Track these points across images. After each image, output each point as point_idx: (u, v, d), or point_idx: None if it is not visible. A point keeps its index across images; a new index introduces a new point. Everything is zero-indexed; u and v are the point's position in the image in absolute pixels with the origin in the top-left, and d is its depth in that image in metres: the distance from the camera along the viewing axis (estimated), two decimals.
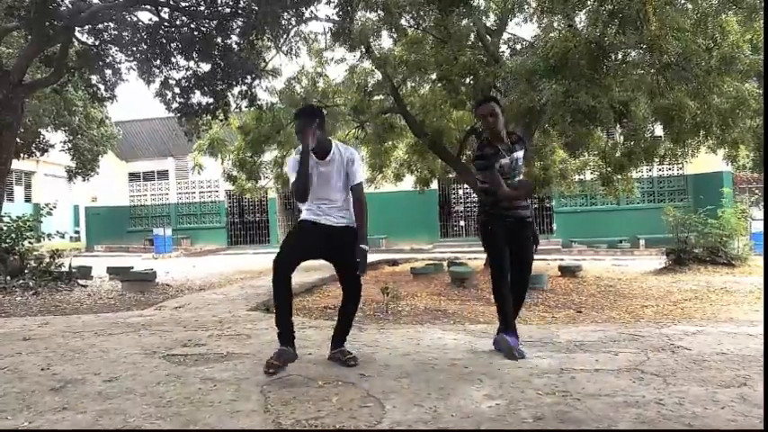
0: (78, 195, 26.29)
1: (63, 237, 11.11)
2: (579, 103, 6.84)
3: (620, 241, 17.83)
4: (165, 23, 8.75)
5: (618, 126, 9.58)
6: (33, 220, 9.83)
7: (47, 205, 10.45)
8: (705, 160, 14.23)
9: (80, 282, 8.98)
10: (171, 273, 11.45)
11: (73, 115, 14.50)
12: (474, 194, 16.78)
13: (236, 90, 9.50)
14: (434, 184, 16.13)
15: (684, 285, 8.85)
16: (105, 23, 8.78)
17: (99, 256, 19.32)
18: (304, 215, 3.42)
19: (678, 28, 6.54)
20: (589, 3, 7.17)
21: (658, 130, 10.05)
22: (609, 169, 11.31)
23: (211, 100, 9.36)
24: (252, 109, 10.41)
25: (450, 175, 14.16)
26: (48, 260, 9.09)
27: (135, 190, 24.65)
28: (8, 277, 8.27)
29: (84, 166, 16.36)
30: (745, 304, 6.90)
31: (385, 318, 6.01)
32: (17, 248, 9.01)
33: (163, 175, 24.19)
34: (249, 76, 9.41)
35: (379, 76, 10.87)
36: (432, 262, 12.37)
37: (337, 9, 8.24)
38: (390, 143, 13.02)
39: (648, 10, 6.04)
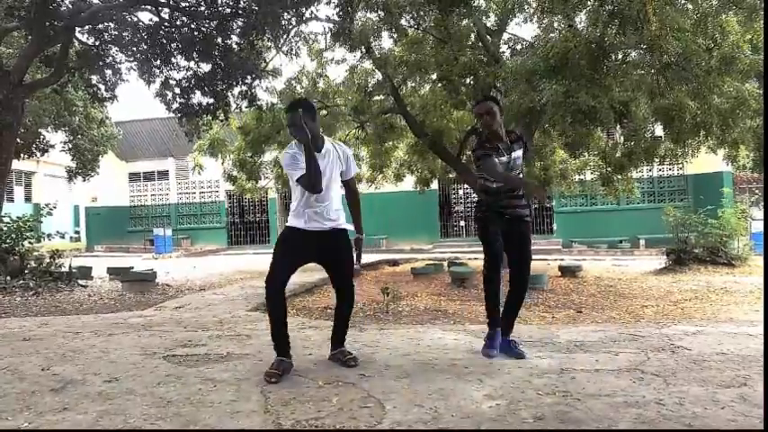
0: (78, 195, 26.27)
1: (63, 237, 11.11)
2: (579, 103, 6.84)
3: (621, 241, 17.83)
4: (166, 24, 8.76)
5: (618, 126, 9.58)
6: (33, 220, 9.83)
7: (47, 205, 10.45)
8: (705, 160, 14.23)
9: (80, 282, 8.98)
10: (171, 273, 11.45)
11: (73, 115, 14.50)
12: (474, 195, 16.77)
13: (236, 90, 9.50)
14: (435, 185, 16.11)
15: (684, 285, 8.85)
16: (105, 23, 8.78)
17: (99, 257, 19.32)
18: (291, 221, 3.37)
19: (678, 28, 6.53)
20: (589, 3, 7.16)
21: (658, 130, 10.04)
22: (609, 169, 11.31)
23: (212, 100, 9.36)
24: (252, 109, 10.41)
25: (451, 176, 14.15)
26: (48, 260, 9.10)
27: (135, 190, 24.66)
28: (8, 277, 8.27)
29: (84, 166, 16.35)
30: (746, 304, 6.90)
31: (385, 318, 6.02)
32: (17, 249, 9.02)
33: (163, 175, 24.20)
34: (249, 77, 9.41)
35: (379, 76, 10.87)
36: (432, 262, 12.38)
37: (337, 9, 8.25)
38: (391, 143, 13.02)
39: (648, 10, 6.04)
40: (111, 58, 9.32)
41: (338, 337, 3.48)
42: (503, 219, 3.58)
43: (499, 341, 3.54)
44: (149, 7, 8.75)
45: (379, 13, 8.77)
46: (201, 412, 2.58)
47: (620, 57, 7.93)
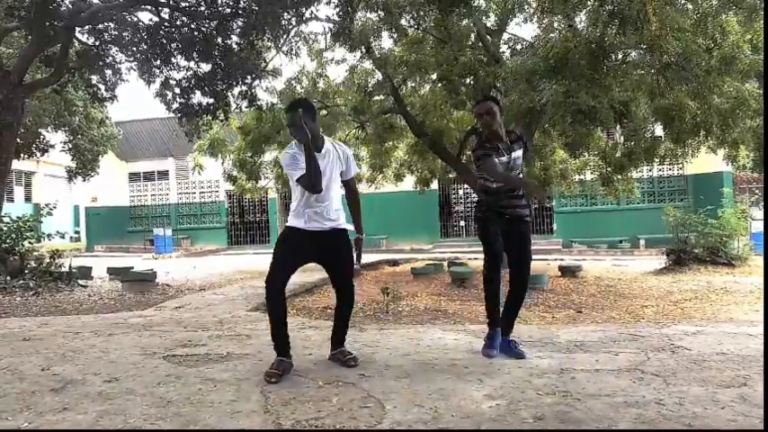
0: (78, 195, 26.28)
1: (63, 237, 11.10)
2: (579, 103, 6.84)
3: (621, 241, 17.83)
4: (166, 24, 8.75)
5: (618, 126, 9.58)
6: (33, 220, 9.83)
7: (47, 205, 10.45)
8: (705, 160, 14.23)
9: (80, 282, 8.98)
10: (171, 273, 11.45)
11: (73, 115, 14.50)
12: (474, 195, 16.78)
13: (236, 90, 9.50)
14: (435, 185, 16.12)
15: (684, 285, 8.85)
16: (105, 24, 8.78)
17: (99, 257, 19.32)
18: (291, 221, 3.37)
19: (678, 28, 6.53)
20: (589, 3, 7.16)
21: (658, 130, 10.04)
22: (609, 169, 11.31)
23: (212, 100, 9.36)
24: (252, 109, 10.41)
25: (451, 176, 14.15)
26: (48, 260, 9.09)
27: (135, 190, 24.65)
28: (8, 277, 8.27)
29: (84, 166, 16.36)
30: (745, 304, 6.89)
31: (385, 318, 6.02)
32: (17, 249, 9.02)
33: (163, 175, 24.20)
34: (249, 77, 9.40)
35: (379, 76, 10.87)
36: (432, 262, 12.38)
37: (337, 9, 8.25)
38: (391, 143, 13.02)
39: (648, 10, 6.04)
40: (111, 58, 9.32)
41: (338, 337, 3.48)
42: (503, 219, 3.58)
43: (499, 341, 3.53)
44: (149, 7, 8.75)
45: (379, 13, 8.78)
46: (201, 412, 2.58)
47: (620, 57, 7.93)
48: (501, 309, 3.63)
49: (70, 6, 8.39)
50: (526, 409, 2.56)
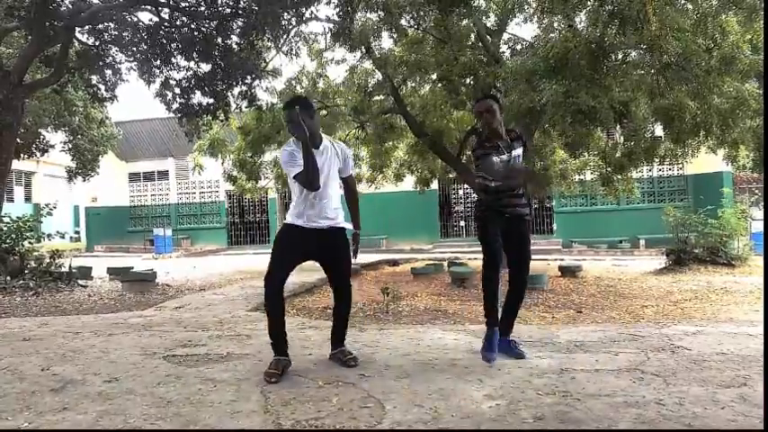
0: (78, 195, 26.29)
1: (63, 237, 11.10)
2: (579, 103, 6.84)
3: (621, 241, 17.83)
4: (166, 24, 8.75)
5: (618, 126, 9.58)
6: (33, 220, 9.83)
7: (47, 205, 10.45)
8: (705, 160, 14.23)
9: (80, 282, 8.98)
10: (171, 273, 11.45)
11: (73, 115, 14.50)
12: (474, 195, 16.79)
13: (236, 90, 9.50)
14: (435, 185, 16.13)
15: (684, 285, 8.85)
16: (105, 24, 8.78)
17: (99, 257, 19.32)
18: (289, 218, 3.37)
19: (678, 28, 6.53)
20: (589, 3, 7.16)
21: (658, 130, 10.04)
22: (609, 169, 11.31)
23: (212, 100, 9.36)
24: (252, 109, 10.41)
25: (451, 176, 14.16)
26: (48, 260, 9.09)
27: (135, 190, 24.66)
28: (8, 278, 8.27)
29: (84, 166, 16.36)
30: (745, 304, 6.89)
31: (385, 318, 6.02)
32: (17, 249, 9.02)
33: (163, 175, 24.21)
34: (249, 77, 9.41)
35: (379, 76, 10.88)
36: (432, 262, 12.39)
37: (337, 9, 8.25)
38: (391, 143, 13.02)
39: (648, 10, 6.04)
40: (111, 58, 9.32)
41: (338, 337, 3.49)
42: (503, 218, 3.56)
43: (497, 342, 3.50)
44: (149, 7, 8.75)
45: (379, 13, 8.78)
46: (201, 412, 2.58)
47: (620, 57, 7.93)
48: (500, 309, 3.63)
49: (70, 6, 8.40)
50: (526, 409, 2.56)
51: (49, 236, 10.05)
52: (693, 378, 2.98)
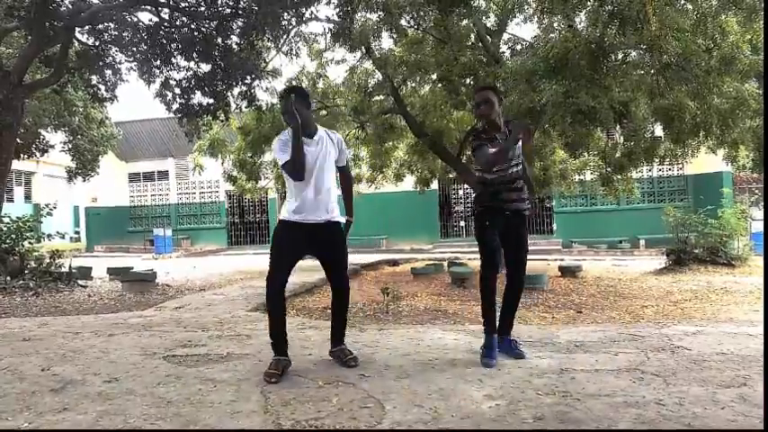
0: (78, 196, 26.30)
1: (63, 237, 11.11)
2: (579, 103, 6.83)
3: (621, 241, 17.83)
4: (166, 24, 8.75)
5: (618, 126, 9.57)
6: (33, 220, 9.84)
7: (47, 206, 10.45)
8: (705, 160, 14.24)
9: (80, 282, 8.98)
10: (171, 273, 11.45)
11: (73, 116, 14.50)
12: (474, 194, 16.77)
13: (236, 91, 9.50)
14: (434, 185, 16.13)
15: (684, 285, 8.85)
16: (105, 24, 8.78)
17: (99, 257, 19.33)
18: (284, 214, 3.35)
19: (678, 28, 6.53)
20: (589, 3, 7.16)
21: (658, 130, 10.04)
22: (609, 169, 11.30)
23: (212, 100, 9.36)
24: (252, 109, 10.41)
25: (451, 176, 14.16)
26: (48, 261, 9.10)
27: (135, 190, 24.67)
28: (8, 278, 8.27)
29: (84, 166, 16.36)
30: (745, 304, 6.89)
31: (385, 318, 6.02)
32: (17, 249, 9.02)
33: (163, 175, 24.21)
34: (249, 77, 9.40)
35: (379, 76, 10.87)
36: (432, 262, 12.39)
37: (337, 10, 8.25)
38: (391, 143, 13.02)
39: (648, 10, 6.04)
40: (111, 58, 9.32)
41: (337, 333, 3.49)
42: (503, 216, 3.54)
43: (497, 348, 3.48)
44: (149, 7, 8.75)
45: (379, 13, 8.77)
46: (201, 412, 2.58)
47: (619, 57, 7.93)
48: (498, 309, 3.62)
49: (70, 6, 8.40)
50: (526, 409, 2.56)
51: (48, 236, 10.05)
52: (693, 378, 2.98)
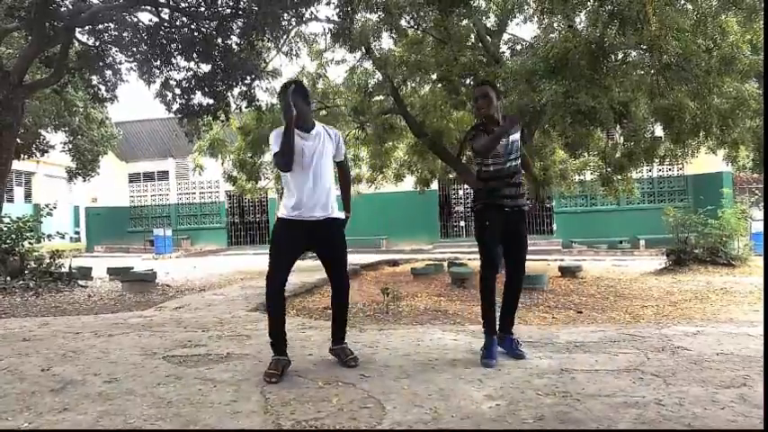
0: (78, 196, 26.32)
1: (63, 237, 11.11)
2: (579, 103, 6.84)
3: (621, 242, 17.83)
4: (166, 24, 8.76)
5: (618, 126, 9.57)
6: (33, 220, 9.84)
7: (47, 206, 10.45)
8: (705, 161, 14.24)
9: (80, 282, 8.98)
10: (171, 273, 11.46)
11: (73, 116, 14.50)
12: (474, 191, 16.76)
13: (236, 91, 9.50)
14: (434, 185, 16.14)
15: (684, 286, 8.85)
16: (106, 24, 8.79)
17: (99, 257, 19.34)
18: (283, 212, 3.34)
19: (678, 28, 6.53)
20: (589, 3, 7.17)
21: (658, 130, 10.05)
22: (609, 170, 11.30)
23: (212, 101, 9.36)
24: (252, 109, 10.41)
25: (451, 176, 14.16)
26: (48, 261, 9.10)
27: (135, 190, 24.67)
28: (8, 278, 8.28)
29: (84, 166, 16.37)
30: (745, 305, 6.90)
31: (385, 318, 6.02)
32: (17, 249, 9.02)
33: (163, 175, 24.22)
34: (249, 77, 9.41)
35: (379, 76, 10.87)
36: (432, 262, 12.39)
37: (337, 10, 8.25)
38: (391, 144, 13.02)
39: (648, 10, 6.04)
40: (111, 58, 9.33)
41: (338, 332, 3.48)
42: (503, 214, 3.53)
43: (497, 348, 3.48)
44: (149, 8, 8.75)
45: (379, 13, 8.78)
46: (201, 413, 2.58)
47: (619, 57, 7.93)
48: (498, 308, 3.62)
49: (70, 7, 8.40)
50: (526, 409, 2.56)
51: (48, 236, 10.05)
52: (693, 378, 2.98)
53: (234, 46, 8.95)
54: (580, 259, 14.14)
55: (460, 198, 21.30)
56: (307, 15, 8.65)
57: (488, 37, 10.03)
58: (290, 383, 3.01)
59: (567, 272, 10.37)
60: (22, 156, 14.41)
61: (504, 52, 10.07)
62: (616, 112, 7.47)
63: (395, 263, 13.98)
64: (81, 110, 14.41)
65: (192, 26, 8.82)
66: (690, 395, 2.70)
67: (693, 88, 7.44)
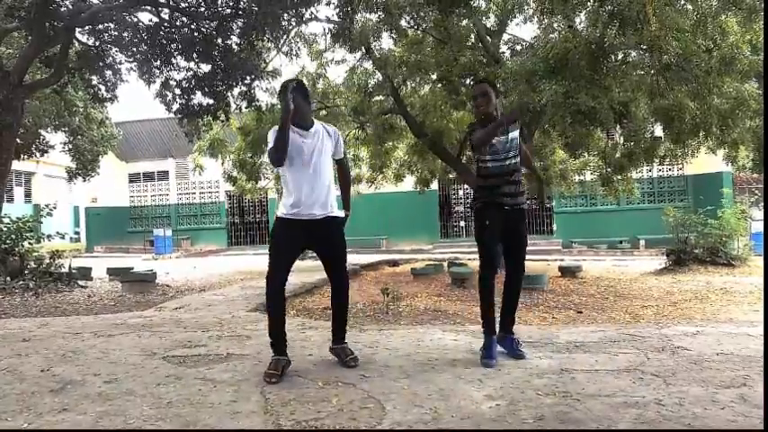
0: (78, 196, 26.32)
1: (63, 237, 11.11)
2: (579, 103, 6.84)
3: (621, 242, 17.84)
4: (166, 24, 8.75)
5: (618, 127, 9.58)
6: (33, 220, 9.84)
7: (47, 206, 10.45)
8: (705, 161, 14.25)
9: (80, 283, 8.98)
10: (171, 273, 11.46)
11: (73, 116, 14.50)
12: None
13: (236, 91, 9.50)
14: (434, 185, 16.14)
15: (684, 286, 8.85)
16: (106, 24, 8.79)
17: (99, 257, 19.34)
18: (283, 210, 3.33)
19: (678, 29, 6.54)
20: (589, 3, 7.17)
21: (658, 130, 10.05)
22: (609, 170, 11.32)
23: (212, 101, 9.36)
24: (251, 110, 10.41)
25: (451, 176, 14.17)
26: (48, 261, 9.10)
27: (135, 190, 24.68)
28: (8, 278, 8.28)
29: (84, 166, 16.37)
30: (745, 304, 6.90)
31: (385, 318, 6.02)
32: (17, 249, 9.02)
33: (163, 175, 24.22)
34: (249, 77, 9.41)
35: (379, 76, 10.87)
36: (432, 262, 12.39)
37: (337, 10, 8.25)
38: (391, 144, 13.03)
39: (648, 11, 6.04)
40: (111, 58, 9.33)
41: (338, 332, 3.47)
42: (502, 212, 3.53)
43: (496, 348, 3.48)
44: (149, 8, 8.75)
45: (379, 13, 8.78)
46: (201, 413, 2.58)
47: (619, 57, 7.94)
48: (497, 309, 3.62)
49: (70, 7, 8.40)
50: (526, 409, 2.56)
51: (48, 236, 10.04)
52: (693, 378, 2.98)
53: (234, 46, 8.95)
54: (580, 259, 14.14)
55: (460, 198, 21.30)
56: (307, 15, 8.65)
57: (488, 37, 10.03)
58: (290, 383, 3.00)
59: (567, 272, 10.37)
60: (21, 156, 14.42)
61: (504, 52, 10.07)
62: (616, 112, 7.48)
63: (395, 263, 13.99)
64: (81, 110, 14.42)
65: (192, 26, 8.82)
66: (690, 395, 2.70)
67: (693, 88, 7.44)
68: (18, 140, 11.24)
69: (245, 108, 10.18)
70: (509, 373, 3.15)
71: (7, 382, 3.11)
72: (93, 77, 9.82)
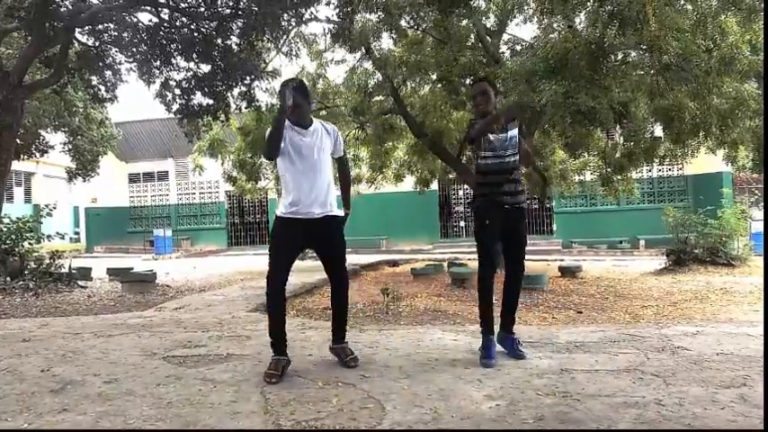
0: (78, 196, 26.33)
1: (63, 238, 11.11)
2: (579, 103, 6.84)
3: (621, 242, 17.84)
4: (165, 24, 8.75)
5: (618, 127, 9.58)
6: (33, 221, 9.83)
7: (47, 206, 10.45)
8: (705, 161, 14.25)
9: (80, 283, 8.98)
10: (171, 274, 11.46)
11: (73, 116, 14.51)
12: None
13: (236, 91, 9.50)
14: (434, 185, 16.14)
15: (684, 286, 8.86)
16: (105, 24, 8.79)
17: (99, 257, 19.34)
18: (282, 210, 3.32)
19: (678, 29, 6.53)
20: (589, 3, 7.17)
21: (658, 130, 10.05)
22: (609, 170, 11.31)
23: (212, 101, 9.36)
24: (251, 110, 10.41)
25: (451, 176, 14.17)
26: (48, 261, 9.10)
27: (135, 191, 24.67)
28: (8, 278, 8.28)
29: (84, 166, 16.37)
30: (745, 305, 6.90)
31: (385, 318, 6.02)
32: (17, 249, 9.02)
33: (163, 175, 24.22)
34: (249, 77, 9.41)
35: (379, 76, 10.87)
36: (432, 263, 12.39)
37: (337, 10, 8.25)
38: (390, 144, 13.03)
39: (648, 11, 6.04)
40: (110, 58, 9.33)
41: (338, 331, 3.47)
42: (502, 211, 3.52)
43: (495, 348, 3.48)
44: (149, 8, 8.75)
45: (379, 13, 8.78)
46: (201, 413, 2.58)
47: (619, 57, 7.94)
48: (497, 308, 3.62)
49: (70, 7, 8.40)
50: (526, 409, 2.56)
51: (48, 237, 10.04)
52: (693, 378, 2.98)
53: (234, 46, 8.95)
54: (580, 259, 14.13)
55: (460, 198, 21.30)
56: (306, 16, 8.66)
57: (488, 37, 10.03)
58: (290, 384, 3.00)
59: (567, 272, 10.37)
60: (21, 156, 14.42)
61: (503, 52, 10.07)
62: (616, 112, 7.48)
63: (395, 263, 13.99)
64: (81, 110, 14.42)
65: (192, 26, 8.81)
66: (690, 395, 2.70)
67: (693, 88, 7.44)
68: (18, 140, 11.25)
69: (245, 108, 10.18)
70: (509, 373, 3.15)
71: (7, 383, 3.10)
72: (93, 78, 9.82)
